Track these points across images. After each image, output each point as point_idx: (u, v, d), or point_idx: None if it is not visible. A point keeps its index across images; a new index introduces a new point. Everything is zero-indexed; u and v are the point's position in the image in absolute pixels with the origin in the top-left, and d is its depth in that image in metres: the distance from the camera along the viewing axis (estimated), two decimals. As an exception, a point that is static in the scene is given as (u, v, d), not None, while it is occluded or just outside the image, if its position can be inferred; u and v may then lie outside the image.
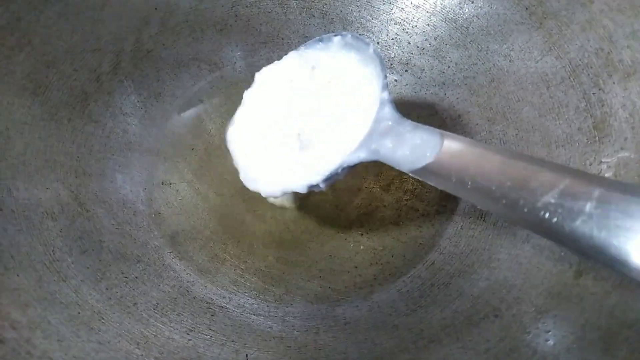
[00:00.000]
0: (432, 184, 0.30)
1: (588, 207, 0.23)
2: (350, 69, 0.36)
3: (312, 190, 0.33)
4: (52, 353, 0.28)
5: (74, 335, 0.30)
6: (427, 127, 0.31)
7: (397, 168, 0.30)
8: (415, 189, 0.44)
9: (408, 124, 0.31)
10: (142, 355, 0.31)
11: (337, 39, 0.37)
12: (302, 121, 0.36)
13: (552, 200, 0.24)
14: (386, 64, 0.51)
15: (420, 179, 0.30)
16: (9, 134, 0.38)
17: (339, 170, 0.31)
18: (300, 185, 0.33)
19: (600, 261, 0.23)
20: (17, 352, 0.27)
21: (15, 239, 0.33)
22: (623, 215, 0.22)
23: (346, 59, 0.37)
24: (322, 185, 0.32)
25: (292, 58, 0.39)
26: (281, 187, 0.33)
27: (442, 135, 0.29)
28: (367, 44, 0.35)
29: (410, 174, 0.30)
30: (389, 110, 0.31)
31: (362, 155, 0.31)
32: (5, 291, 0.30)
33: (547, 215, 0.24)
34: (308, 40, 0.52)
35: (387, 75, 0.32)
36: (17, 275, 0.31)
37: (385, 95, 0.32)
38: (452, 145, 0.28)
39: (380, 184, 0.44)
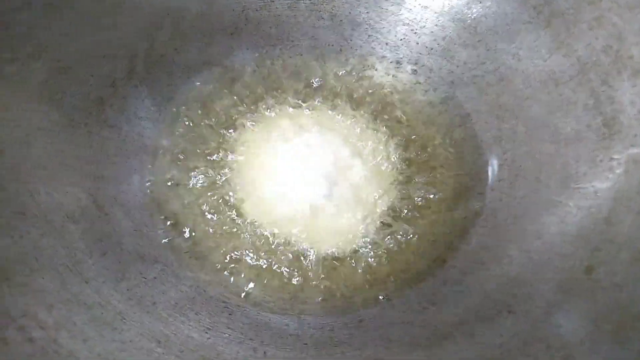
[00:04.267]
0: None
1: None
2: None
3: None
4: (78, 352, 0.29)
5: (97, 335, 0.31)
6: None
7: None
8: (428, 188, 0.45)
9: None
10: (163, 353, 0.32)
11: None
12: None
13: None
14: (395, 64, 0.52)
15: None
16: (28, 139, 0.38)
17: None
18: None
19: None
20: (46, 351, 0.28)
21: (39, 242, 0.34)
22: None
23: None
24: None
25: None
26: None
27: None
28: None
29: None
30: None
31: None
32: (31, 292, 0.31)
33: None
34: (317, 42, 0.53)
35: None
36: (42, 278, 0.32)
37: None
38: None
39: (393, 182, 0.45)
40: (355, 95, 0.50)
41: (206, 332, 0.35)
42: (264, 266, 0.41)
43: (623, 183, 0.36)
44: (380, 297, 0.39)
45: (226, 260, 0.41)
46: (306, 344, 0.35)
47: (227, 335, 0.35)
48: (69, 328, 0.30)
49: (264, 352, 0.34)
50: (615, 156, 0.37)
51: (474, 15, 0.47)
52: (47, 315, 0.30)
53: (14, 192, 0.35)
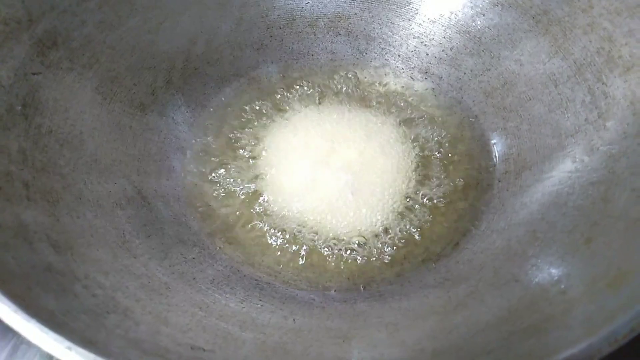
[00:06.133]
0: None
1: None
2: None
3: None
4: (132, 309, 0.33)
5: (147, 298, 0.35)
6: None
7: None
8: (441, 181, 0.49)
9: None
10: (205, 316, 0.35)
11: None
12: None
13: None
14: (407, 73, 0.57)
15: None
16: (82, 137, 0.43)
17: None
18: None
19: None
20: (107, 305, 0.32)
21: (93, 222, 0.39)
22: None
23: None
24: None
25: None
26: None
27: None
28: None
29: None
30: None
31: None
32: (90, 261, 0.35)
33: None
34: (336, 55, 0.58)
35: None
36: (97, 250, 0.36)
37: None
38: None
39: (410, 176, 0.49)
40: (372, 101, 0.54)
41: (241, 303, 0.38)
42: (291, 251, 0.45)
43: (618, 167, 0.39)
44: (398, 276, 0.42)
45: (256, 245, 0.45)
46: (331, 314, 0.38)
47: (259, 305, 0.39)
48: (123, 290, 0.34)
49: (294, 320, 0.37)
50: (611, 144, 0.40)
51: (479, 26, 0.52)
52: (104, 279, 0.34)
53: (71, 180, 0.40)
